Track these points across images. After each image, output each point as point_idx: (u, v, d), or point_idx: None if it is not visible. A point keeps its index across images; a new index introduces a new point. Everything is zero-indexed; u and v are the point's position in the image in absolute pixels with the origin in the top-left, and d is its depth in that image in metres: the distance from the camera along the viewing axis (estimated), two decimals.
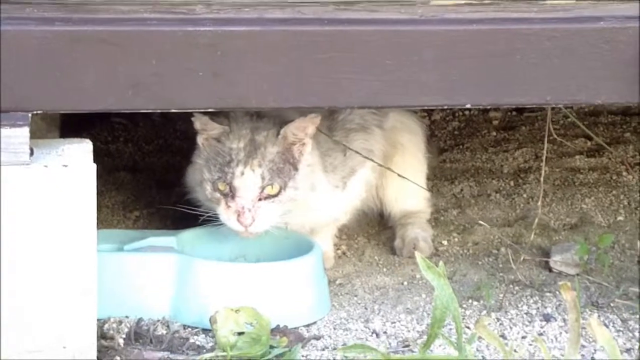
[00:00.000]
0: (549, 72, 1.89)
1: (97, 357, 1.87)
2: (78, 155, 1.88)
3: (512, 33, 1.88)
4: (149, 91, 1.85)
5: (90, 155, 1.89)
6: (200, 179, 2.19)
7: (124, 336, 2.00)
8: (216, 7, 1.88)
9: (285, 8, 1.88)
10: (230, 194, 2.13)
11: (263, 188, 2.13)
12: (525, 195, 2.77)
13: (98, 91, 1.84)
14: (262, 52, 1.85)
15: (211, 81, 1.85)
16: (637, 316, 2.10)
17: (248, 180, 2.12)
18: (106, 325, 2.03)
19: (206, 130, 2.17)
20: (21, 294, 1.81)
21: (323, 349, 2.00)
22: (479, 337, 1.83)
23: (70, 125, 2.55)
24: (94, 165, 1.86)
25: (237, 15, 1.87)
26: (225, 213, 2.14)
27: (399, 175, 2.38)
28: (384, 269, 2.41)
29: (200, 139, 2.20)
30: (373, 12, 1.91)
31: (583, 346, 1.98)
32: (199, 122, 2.17)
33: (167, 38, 1.83)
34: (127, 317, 2.07)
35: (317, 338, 2.05)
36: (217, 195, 2.15)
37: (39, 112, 1.84)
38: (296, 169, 2.18)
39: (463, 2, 1.91)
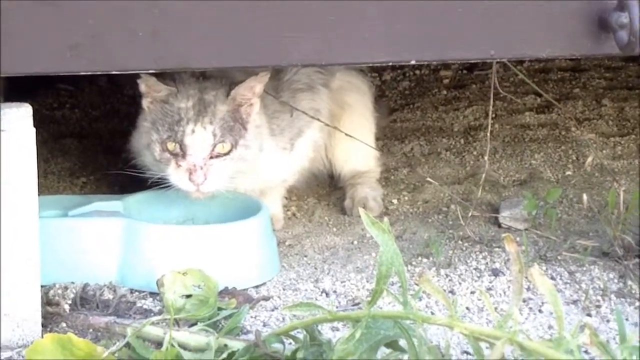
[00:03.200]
0: (492, 26, 1.87)
1: (42, 324, 1.85)
2: (17, 120, 1.84)
3: None
4: (88, 52, 1.81)
5: (29, 120, 1.85)
6: (148, 141, 2.16)
7: (69, 302, 1.98)
8: None
9: None
10: (180, 152, 2.11)
11: (214, 146, 2.11)
12: (475, 153, 2.78)
13: (35, 53, 1.80)
14: (202, 11, 1.82)
15: (151, 41, 1.82)
16: (584, 268, 2.12)
17: (199, 137, 2.10)
18: (51, 292, 2.01)
19: (152, 92, 2.14)
20: None
21: (272, 310, 2.00)
22: (429, 294, 1.83)
23: (14, 92, 2.51)
24: (33, 130, 1.82)
25: None
26: (175, 173, 2.12)
27: (346, 134, 2.37)
28: (334, 229, 2.40)
29: (145, 102, 2.16)
30: None
31: (530, 298, 1.99)
32: (144, 84, 2.13)
33: None
34: (73, 282, 2.04)
35: (267, 299, 2.04)
36: (167, 155, 2.12)
37: None
38: (245, 128, 2.15)
39: None
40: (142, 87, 2.14)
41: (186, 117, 2.10)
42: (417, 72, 3.36)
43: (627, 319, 1.91)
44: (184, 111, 2.11)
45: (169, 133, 2.11)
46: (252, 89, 2.14)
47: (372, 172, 2.56)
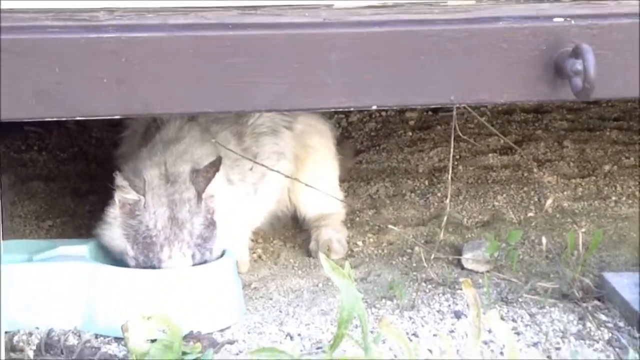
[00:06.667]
0: (452, 72, 1.92)
1: None
2: None
3: (415, 35, 1.91)
4: (53, 99, 1.83)
5: None
6: (121, 250, 2.14)
7: (34, 347, 1.98)
8: (119, 13, 1.87)
9: (189, 13, 1.88)
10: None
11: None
12: (439, 194, 2.81)
13: (1, 101, 1.81)
14: (167, 58, 1.84)
15: (116, 88, 1.84)
16: (544, 310, 2.15)
17: (177, 262, 2.10)
18: (16, 337, 2.01)
19: (122, 193, 2.12)
20: None
21: (237, 354, 2.01)
22: None
23: None
24: None
25: (140, 21, 1.86)
26: None
27: (306, 185, 2.39)
28: (299, 272, 2.42)
29: (117, 196, 2.13)
30: (277, 16, 1.91)
31: (492, 341, 2.01)
32: (117, 182, 2.11)
33: (70, 46, 1.81)
34: (37, 328, 2.04)
35: (231, 342, 2.05)
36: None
37: None
38: (215, 225, 2.14)
39: (366, 4, 1.93)
40: (117, 181, 2.11)
41: (159, 241, 2.09)
42: (383, 113, 3.41)
43: None
44: (154, 232, 2.09)
45: (144, 257, 2.10)
46: (214, 182, 2.13)
47: (337, 214, 2.58)
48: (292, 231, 2.63)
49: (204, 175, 2.13)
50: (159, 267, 2.10)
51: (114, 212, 2.15)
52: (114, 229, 2.15)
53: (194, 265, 2.11)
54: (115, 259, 2.18)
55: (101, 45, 1.82)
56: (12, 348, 1.94)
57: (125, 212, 2.13)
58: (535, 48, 1.90)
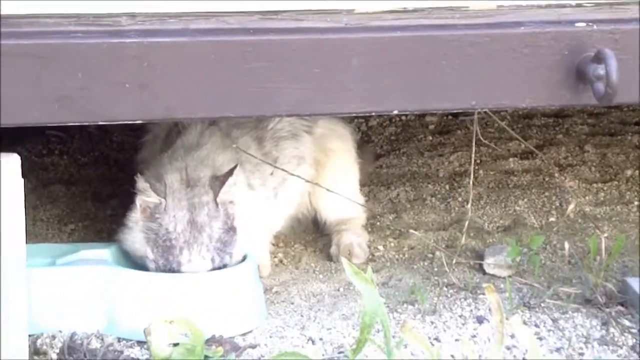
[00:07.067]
0: (473, 77, 1.91)
1: None
2: (5, 170, 1.86)
3: (436, 40, 1.91)
4: (76, 104, 1.84)
5: (18, 170, 1.88)
6: (142, 254, 2.15)
7: (57, 351, 1.99)
8: (141, 18, 1.88)
9: (210, 18, 1.89)
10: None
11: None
12: (460, 199, 2.81)
13: (24, 105, 1.83)
14: (189, 63, 1.85)
15: (138, 93, 1.85)
16: (567, 316, 2.14)
17: (197, 265, 2.11)
18: (39, 341, 2.02)
19: (143, 196, 2.13)
20: None
21: (259, 358, 2.01)
22: None
23: (5, 138, 2.54)
24: (22, 180, 1.85)
25: (162, 26, 1.87)
26: None
27: (327, 190, 2.39)
28: (321, 276, 2.42)
29: (139, 201, 2.15)
30: (299, 21, 1.92)
31: (514, 346, 2.01)
32: (139, 185, 2.12)
33: (93, 51, 1.82)
34: (60, 331, 2.05)
35: (253, 347, 2.05)
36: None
37: None
38: (235, 231, 2.15)
39: (387, 9, 1.94)
40: (138, 185, 2.12)
41: (178, 244, 2.10)
42: (403, 117, 3.40)
43: None
44: (174, 235, 2.10)
45: (163, 261, 2.11)
46: (231, 186, 2.14)
47: (358, 218, 2.58)
48: (312, 235, 2.64)
49: (221, 179, 2.14)
50: (179, 271, 2.10)
51: (135, 216, 2.16)
52: (134, 233, 2.16)
53: (213, 269, 2.11)
54: (137, 264, 2.19)
55: (124, 50, 1.83)
56: (35, 351, 1.96)
57: (146, 215, 2.14)
58: (557, 53, 1.90)
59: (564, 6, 1.94)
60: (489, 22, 1.93)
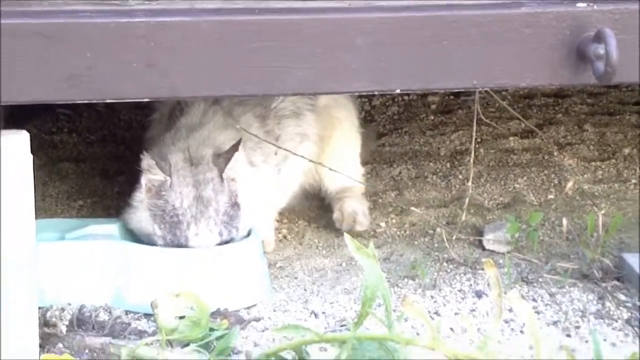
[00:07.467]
0: (474, 57, 1.94)
1: (40, 345, 1.90)
2: (14, 147, 1.89)
3: (439, 20, 1.93)
4: (84, 83, 1.86)
5: (27, 146, 1.91)
6: (149, 231, 2.18)
7: (66, 323, 2.03)
8: None
9: None
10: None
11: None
12: (460, 177, 2.84)
13: (32, 83, 1.85)
14: (194, 43, 1.88)
15: (145, 72, 1.87)
16: (564, 290, 2.19)
17: (205, 238, 2.14)
18: (49, 313, 2.06)
19: (149, 174, 2.16)
20: None
21: (263, 331, 2.05)
22: None
23: (14, 117, 2.57)
24: (31, 156, 1.88)
25: (169, 6, 1.90)
26: None
27: (330, 169, 2.42)
28: (324, 251, 2.47)
29: (144, 179, 2.18)
30: (303, 1, 1.95)
31: (512, 320, 2.05)
32: (145, 163, 2.16)
33: (101, 30, 1.85)
34: (69, 304, 2.10)
35: (257, 320, 2.10)
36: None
37: None
38: (239, 207, 2.19)
39: None
40: (143, 164, 2.16)
41: (185, 219, 2.13)
42: (406, 97, 3.44)
43: (605, 340, 1.98)
44: (181, 211, 2.14)
45: (171, 236, 2.15)
46: (236, 164, 2.18)
47: (358, 186, 2.62)
48: (316, 212, 2.68)
49: (225, 156, 2.17)
50: (187, 245, 2.14)
51: (140, 196, 2.20)
52: (140, 212, 2.20)
53: (221, 242, 2.15)
54: (142, 242, 2.22)
55: (131, 29, 1.85)
56: (45, 323, 2.00)
57: (152, 194, 2.17)
58: (559, 33, 1.92)
59: None
60: (491, 2, 1.95)
